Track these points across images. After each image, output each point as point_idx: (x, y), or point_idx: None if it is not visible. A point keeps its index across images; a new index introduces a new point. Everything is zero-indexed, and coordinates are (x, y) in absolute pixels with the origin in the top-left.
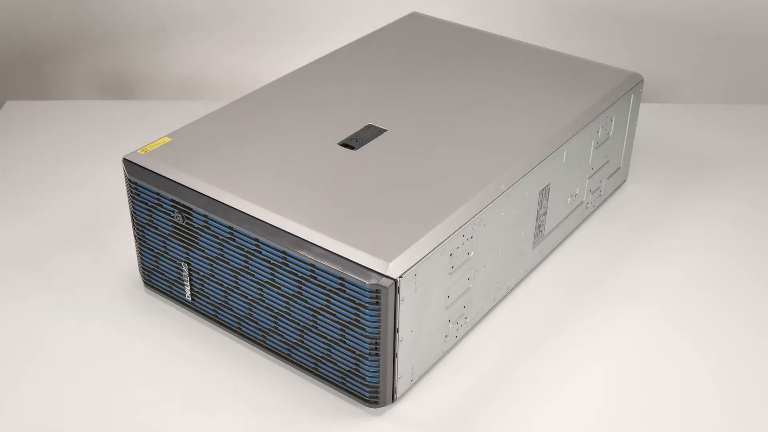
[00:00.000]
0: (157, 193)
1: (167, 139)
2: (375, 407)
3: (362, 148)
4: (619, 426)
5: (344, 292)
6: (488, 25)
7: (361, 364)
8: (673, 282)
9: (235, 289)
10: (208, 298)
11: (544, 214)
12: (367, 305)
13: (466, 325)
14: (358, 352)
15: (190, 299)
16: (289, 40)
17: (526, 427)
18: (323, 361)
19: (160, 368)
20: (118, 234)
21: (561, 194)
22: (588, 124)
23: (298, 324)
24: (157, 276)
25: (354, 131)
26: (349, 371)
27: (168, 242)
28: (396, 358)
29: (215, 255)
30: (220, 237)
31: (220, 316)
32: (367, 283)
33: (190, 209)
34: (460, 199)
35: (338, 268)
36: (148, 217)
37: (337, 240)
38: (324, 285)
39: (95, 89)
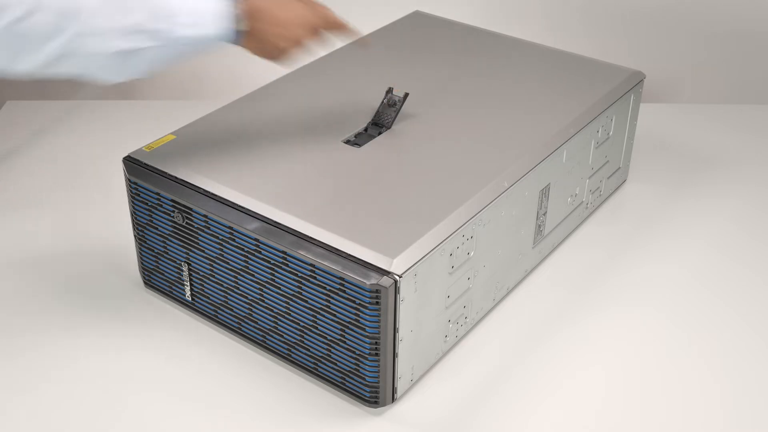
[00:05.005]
0: (157, 193)
1: (171, 137)
2: (375, 407)
3: (365, 146)
4: (619, 426)
5: (344, 292)
6: (490, 24)
7: (361, 364)
8: (673, 281)
9: (235, 289)
10: (208, 298)
11: (544, 214)
12: (367, 305)
13: (466, 325)
14: (358, 352)
15: (190, 299)
16: None
17: (526, 426)
18: (323, 361)
19: (159, 368)
20: (118, 234)
21: (561, 194)
22: (588, 123)
23: (298, 324)
24: (157, 276)
25: (357, 129)
26: (349, 371)
27: (168, 242)
28: (396, 358)
29: (215, 255)
30: (220, 237)
31: (220, 316)
32: (367, 283)
33: (190, 209)
34: (460, 198)
35: (338, 268)
36: (148, 217)
37: (337, 238)
38: (324, 285)
39: (95, 89)
